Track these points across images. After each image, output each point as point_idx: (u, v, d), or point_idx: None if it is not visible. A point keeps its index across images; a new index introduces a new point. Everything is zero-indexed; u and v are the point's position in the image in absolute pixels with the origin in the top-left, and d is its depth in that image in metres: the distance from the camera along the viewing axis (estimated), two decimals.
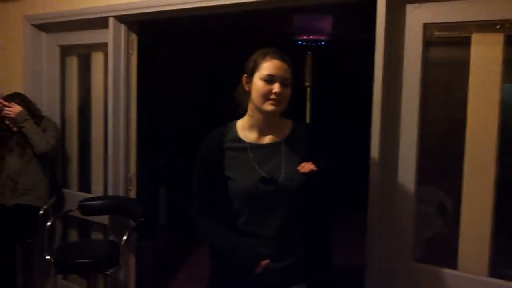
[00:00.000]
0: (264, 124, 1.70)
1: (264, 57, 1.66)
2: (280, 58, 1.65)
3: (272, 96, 1.62)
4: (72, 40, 3.33)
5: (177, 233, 4.77)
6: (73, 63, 3.48)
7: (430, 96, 2.05)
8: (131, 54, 3.07)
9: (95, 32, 3.13)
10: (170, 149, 5.55)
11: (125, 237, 2.61)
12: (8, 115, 3.02)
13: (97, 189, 3.32)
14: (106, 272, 2.60)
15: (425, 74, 2.02)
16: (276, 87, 1.62)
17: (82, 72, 3.46)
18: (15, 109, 3.03)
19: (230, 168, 1.68)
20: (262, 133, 1.71)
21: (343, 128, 5.48)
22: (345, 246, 2.89)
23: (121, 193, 3.07)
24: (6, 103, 3.02)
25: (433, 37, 2.06)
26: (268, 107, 1.63)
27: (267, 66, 1.64)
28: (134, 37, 3.07)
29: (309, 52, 3.46)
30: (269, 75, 1.63)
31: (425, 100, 2.02)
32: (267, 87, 1.62)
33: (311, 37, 3.31)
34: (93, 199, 3.04)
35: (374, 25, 2.05)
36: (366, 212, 2.07)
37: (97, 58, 3.31)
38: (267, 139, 1.71)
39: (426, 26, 2.00)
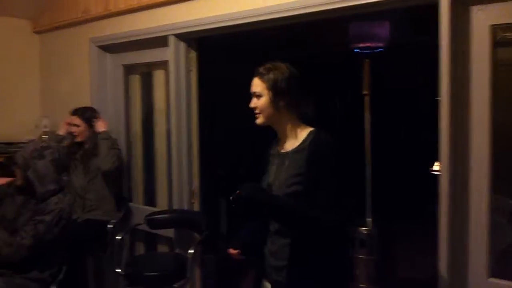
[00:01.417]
0: (279, 134, 1.82)
1: None
2: (255, 74, 1.78)
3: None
4: (135, 59, 3.47)
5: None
6: (136, 81, 3.62)
7: (500, 99, 1.94)
8: (191, 70, 3.14)
9: (156, 50, 3.24)
10: (229, 161, 5.61)
11: (191, 250, 2.65)
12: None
13: (161, 203, 3.42)
14: (173, 285, 2.65)
15: (494, 76, 1.92)
16: (251, 103, 1.78)
17: (144, 89, 3.59)
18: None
19: (266, 174, 1.86)
20: (283, 142, 1.81)
21: (405, 137, 5.33)
22: (415, 258, 2.81)
23: (185, 206, 3.14)
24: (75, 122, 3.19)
25: (500, 38, 1.96)
26: (256, 121, 1.80)
27: None
28: (193, 54, 3.15)
29: (366, 60, 3.39)
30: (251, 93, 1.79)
31: (495, 103, 1.93)
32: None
33: (368, 44, 3.25)
34: (159, 213, 3.12)
35: (435, 29, 1.98)
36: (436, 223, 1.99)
37: (158, 76, 3.42)
38: (284, 148, 1.80)
39: (492, 28, 1.91)
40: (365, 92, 3.33)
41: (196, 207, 3.22)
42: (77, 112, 3.26)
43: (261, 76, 1.76)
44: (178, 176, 3.12)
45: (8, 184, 2.62)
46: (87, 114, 3.25)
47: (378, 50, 3.32)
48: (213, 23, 2.77)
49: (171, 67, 3.07)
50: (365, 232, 3.19)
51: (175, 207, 3.14)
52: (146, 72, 3.55)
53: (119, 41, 3.37)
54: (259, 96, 1.75)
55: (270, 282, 1.82)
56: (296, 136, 1.76)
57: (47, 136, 3.71)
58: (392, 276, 3.83)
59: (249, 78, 1.82)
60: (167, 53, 3.08)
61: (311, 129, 1.77)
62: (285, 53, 5.70)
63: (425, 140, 2.76)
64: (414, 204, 4.84)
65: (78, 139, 3.23)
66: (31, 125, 3.86)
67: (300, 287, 1.70)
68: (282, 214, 1.66)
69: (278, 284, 1.76)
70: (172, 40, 3.02)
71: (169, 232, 3.20)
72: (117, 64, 3.58)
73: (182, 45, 3.07)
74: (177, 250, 3.15)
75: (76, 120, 3.23)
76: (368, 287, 3.22)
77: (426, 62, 2.02)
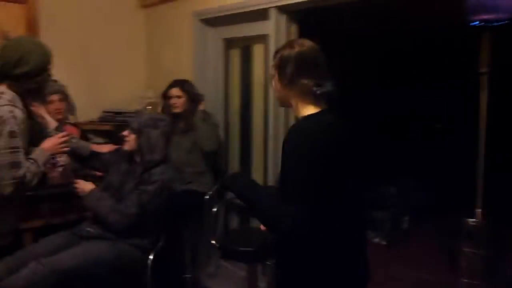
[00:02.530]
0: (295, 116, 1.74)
1: None
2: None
3: None
4: (235, 33, 3.44)
5: None
6: (235, 55, 3.60)
7: None
8: None
9: (256, 24, 3.18)
10: None
11: None
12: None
13: (257, 177, 3.40)
14: (267, 262, 2.63)
15: None
16: None
17: (244, 64, 3.56)
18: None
19: None
20: None
21: None
22: None
23: None
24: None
25: None
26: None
27: None
28: (295, 28, 3.04)
29: (486, 34, 3.03)
30: None
31: None
32: None
33: (489, 16, 2.88)
34: None
35: None
36: None
37: (258, 50, 3.36)
38: None
39: None
40: (482, 70, 2.99)
41: None
42: (177, 83, 3.30)
43: (274, 58, 1.69)
44: (274, 152, 3.08)
45: (113, 152, 2.74)
46: (187, 86, 3.29)
47: (500, 23, 2.95)
48: None
49: (271, 41, 2.99)
50: (473, 224, 2.92)
51: (270, 182, 3.11)
52: (245, 46, 3.51)
53: (220, 14, 3.35)
54: (271, 77, 1.71)
55: None
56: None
57: (150, 107, 3.85)
58: (500, 273, 3.52)
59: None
60: (268, 27, 3.01)
61: (311, 112, 1.61)
62: (386, 28, 5.38)
63: None
64: None
65: (178, 110, 3.26)
66: (137, 96, 4.03)
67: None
68: (249, 208, 1.60)
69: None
70: (273, 13, 2.94)
71: None
72: (218, 38, 3.59)
73: (284, 18, 2.98)
74: None
75: (177, 91, 3.27)
76: (472, 283, 2.98)
77: None
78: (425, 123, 6.56)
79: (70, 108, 3.24)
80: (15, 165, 1.92)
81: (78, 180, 2.53)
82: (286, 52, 1.64)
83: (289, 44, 1.68)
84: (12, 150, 1.92)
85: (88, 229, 2.45)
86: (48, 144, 2.20)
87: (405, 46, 5.69)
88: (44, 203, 2.68)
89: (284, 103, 1.70)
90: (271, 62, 1.71)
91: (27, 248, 2.30)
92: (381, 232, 4.69)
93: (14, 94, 2.00)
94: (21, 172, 1.94)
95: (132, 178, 2.52)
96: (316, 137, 1.51)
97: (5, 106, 1.93)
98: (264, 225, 1.57)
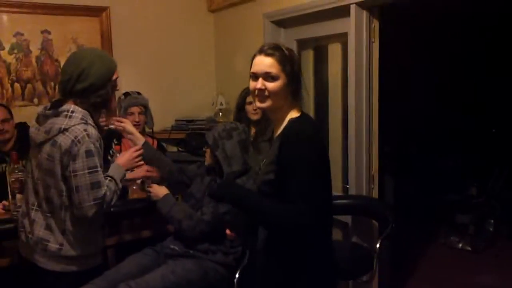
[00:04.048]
0: (273, 120, 1.76)
1: (254, 56, 1.71)
2: (265, 53, 1.66)
3: (256, 93, 1.68)
4: (309, 34, 3.27)
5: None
6: (309, 56, 3.44)
7: None
8: (373, 42, 2.84)
9: (333, 22, 3.00)
10: (396, 138, 5.25)
11: (378, 245, 2.44)
12: None
13: (335, 185, 3.22)
14: (358, 278, 2.47)
15: None
16: (257, 84, 1.66)
17: (317, 64, 3.40)
18: None
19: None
20: (275, 127, 1.76)
21: None
22: None
23: (363, 191, 2.90)
24: None
25: None
26: (257, 103, 1.70)
27: (253, 64, 1.70)
28: (376, 24, 2.84)
29: None
30: (252, 73, 1.69)
31: None
32: (252, 84, 1.69)
33: None
34: (338, 197, 2.91)
35: None
36: None
37: (334, 49, 3.18)
38: (274, 134, 1.76)
39: None
40: None
41: (375, 194, 2.97)
42: None
43: (275, 57, 1.65)
44: (355, 158, 2.89)
45: (199, 165, 2.69)
46: None
47: None
48: None
49: (351, 38, 2.80)
50: None
51: (352, 191, 2.92)
52: (319, 46, 3.34)
53: (294, 14, 3.19)
54: (273, 78, 1.65)
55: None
56: (283, 122, 1.71)
57: (221, 113, 3.77)
58: None
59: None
60: (346, 24, 2.82)
61: (295, 115, 1.70)
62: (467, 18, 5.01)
63: None
64: None
65: (255, 118, 3.10)
66: (208, 102, 3.97)
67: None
68: (249, 211, 1.68)
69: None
70: (353, 9, 2.74)
71: (345, 218, 3.00)
72: (290, 39, 3.43)
73: (365, 14, 2.78)
74: (353, 239, 2.94)
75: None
76: None
77: None
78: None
79: (149, 121, 3.22)
80: (95, 185, 1.87)
81: (152, 185, 2.49)
82: (291, 54, 1.69)
83: (284, 47, 1.70)
84: (91, 170, 1.86)
85: (172, 246, 2.41)
86: (123, 159, 2.15)
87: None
88: (125, 219, 2.65)
89: (275, 109, 1.70)
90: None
91: (114, 268, 2.26)
92: (464, 237, 4.40)
93: (84, 111, 1.92)
94: (101, 192, 1.89)
95: None
96: (315, 139, 1.64)
97: (78, 125, 1.87)
98: (272, 226, 1.65)
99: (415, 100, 5.28)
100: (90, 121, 1.94)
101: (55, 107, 1.92)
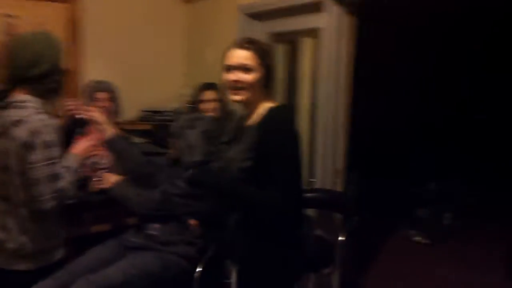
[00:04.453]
0: (247, 109, 1.79)
1: (228, 49, 1.75)
2: (240, 46, 1.71)
3: (231, 85, 1.71)
4: (284, 27, 3.26)
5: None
6: (281, 50, 3.43)
7: None
8: (347, 38, 2.84)
9: (307, 17, 3.00)
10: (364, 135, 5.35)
11: (341, 238, 2.48)
12: None
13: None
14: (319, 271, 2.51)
15: None
16: (232, 75, 1.70)
17: (289, 59, 3.40)
18: None
19: (229, 147, 1.88)
20: (248, 116, 1.80)
21: None
22: None
23: (327, 185, 2.94)
24: None
25: None
26: (231, 97, 1.74)
27: (227, 57, 1.74)
28: (351, 20, 2.83)
29: None
30: (227, 65, 1.73)
31: None
32: (227, 76, 1.73)
33: None
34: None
35: None
36: None
37: (306, 44, 3.19)
38: (248, 122, 1.79)
39: None
40: None
41: (339, 187, 3.01)
42: (212, 86, 3.10)
43: (252, 50, 1.70)
44: (322, 152, 2.93)
45: (167, 157, 2.63)
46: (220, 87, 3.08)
47: None
48: None
49: (325, 34, 2.80)
50: None
51: (317, 185, 2.95)
52: (292, 41, 3.34)
53: (269, 7, 3.18)
54: (249, 70, 1.69)
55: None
56: (259, 112, 1.75)
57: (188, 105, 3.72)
58: None
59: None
60: (320, 20, 2.82)
61: (272, 105, 1.74)
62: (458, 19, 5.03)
63: None
64: None
65: (213, 114, 3.00)
66: (175, 94, 3.91)
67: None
68: (227, 196, 1.76)
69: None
70: (327, 4, 2.75)
71: (309, 211, 3.04)
72: (264, 32, 3.40)
73: (338, 10, 2.77)
74: (317, 232, 2.98)
75: (213, 94, 3.07)
76: None
77: None
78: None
79: (118, 109, 3.13)
80: (54, 177, 1.79)
81: (103, 174, 2.47)
82: (267, 48, 1.76)
83: (260, 41, 1.78)
84: (49, 162, 1.78)
85: (133, 239, 2.36)
86: (79, 148, 2.06)
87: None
88: (87, 210, 2.58)
89: (251, 101, 1.74)
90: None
91: (75, 261, 2.20)
92: (422, 230, 4.53)
93: (37, 99, 1.82)
94: (60, 184, 1.81)
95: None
96: (293, 127, 1.69)
97: (33, 115, 1.77)
98: (254, 209, 1.69)
99: (390, 97, 5.37)
100: (45, 110, 1.83)
101: (1, 98, 1.80)
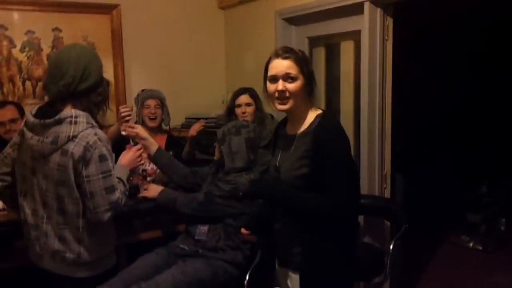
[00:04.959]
0: (291, 117, 1.84)
1: (269, 60, 1.79)
2: (281, 56, 1.73)
3: (276, 95, 1.73)
4: (322, 31, 3.23)
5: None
6: (320, 54, 3.40)
7: None
8: (387, 40, 2.81)
9: (346, 20, 2.97)
10: (406, 137, 5.21)
11: (391, 246, 2.41)
12: None
13: None
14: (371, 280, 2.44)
15: None
16: (278, 85, 1.72)
17: (329, 62, 3.36)
18: None
19: (275, 152, 1.91)
20: (292, 124, 1.84)
21: None
22: None
23: (375, 191, 2.88)
24: None
25: None
26: (278, 106, 1.76)
27: (270, 68, 1.77)
28: (390, 21, 2.81)
29: None
30: (271, 76, 1.76)
31: None
32: (272, 86, 1.75)
33: None
34: None
35: None
36: None
37: (346, 47, 3.15)
38: (292, 131, 1.82)
39: None
40: None
41: (387, 193, 2.95)
42: (248, 91, 3.08)
43: (292, 59, 1.73)
44: (368, 157, 2.85)
45: (211, 166, 2.69)
46: (254, 92, 3.06)
47: None
48: None
49: (365, 36, 2.76)
50: None
51: (364, 191, 2.85)
52: (331, 44, 3.31)
53: (306, 12, 3.16)
54: (293, 79, 1.72)
55: (281, 264, 1.88)
56: (304, 119, 1.78)
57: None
58: None
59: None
60: (359, 22, 2.79)
61: (319, 112, 1.79)
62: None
63: None
64: None
65: (248, 119, 3.00)
66: (218, 100, 3.95)
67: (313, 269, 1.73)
68: (284, 204, 1.77)
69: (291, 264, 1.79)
70: (367, 7, 2.71)
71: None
72: (302, 36, 3.39)
73: (379, 12, 2.75)
74: (364, 239, 2.92)
75: (247, 99, 3.05)
76: None
77: None
78: None
79: (166, 117, 3.23)
80: (109, 189, 1.84)
81: (148, 185, 2.57)
82: (304, 55, 1.78)
83: (296, 48, 1.80)
84: (104, 174, 1.82)
85: (182, 246, 2.41)
86: (125, 159, 2.13)
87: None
88: (137, 218, 2.64)
89: (295, 108, 1.76)
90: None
91: (128, 268, 2.25)
92: (475, 236, 4.36)
93: (86, 114, 1.84)
94: (116, 195, 1.86)
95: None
96: (345, 133, 1.74)
97: (87, 130, 1.80)
98: (316, 216, 1.69)
99: (428, 99, 5.25)
100: (95, 123, 1.87)
101: (50, 114, 1.82)
